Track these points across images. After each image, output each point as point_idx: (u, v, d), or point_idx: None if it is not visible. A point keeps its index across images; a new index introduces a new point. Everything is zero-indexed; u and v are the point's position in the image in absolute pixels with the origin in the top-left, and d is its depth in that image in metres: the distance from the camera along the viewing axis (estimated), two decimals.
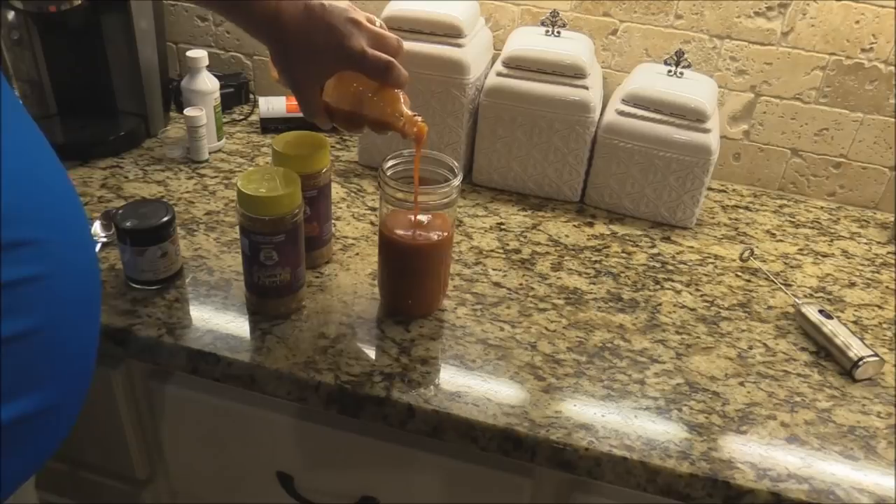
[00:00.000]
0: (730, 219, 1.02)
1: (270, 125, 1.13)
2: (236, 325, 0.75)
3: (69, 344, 0.53)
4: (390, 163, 0.73)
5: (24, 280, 0.47)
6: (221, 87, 1.07)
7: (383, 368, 0.71)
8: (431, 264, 0.76)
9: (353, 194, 0.99)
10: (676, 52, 0.97)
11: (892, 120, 1.02)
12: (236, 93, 1.19)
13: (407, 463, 0.76)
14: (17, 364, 0.48)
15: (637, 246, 0.94)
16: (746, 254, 0.92)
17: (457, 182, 0.71)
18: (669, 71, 0.97)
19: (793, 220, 1.04)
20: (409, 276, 0.77)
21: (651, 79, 0.96)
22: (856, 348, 0.75)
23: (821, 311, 0.80)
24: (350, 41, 0.64)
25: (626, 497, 0.70)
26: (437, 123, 0.99)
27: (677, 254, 0.93)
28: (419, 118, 0.68)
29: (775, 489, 0.63)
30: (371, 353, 0.74)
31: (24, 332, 0.48)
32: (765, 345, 0.79)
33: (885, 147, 1.04)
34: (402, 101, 0.68)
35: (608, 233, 0.96)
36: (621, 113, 0.95)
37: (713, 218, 1.02)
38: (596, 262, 0.90)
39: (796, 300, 0.83)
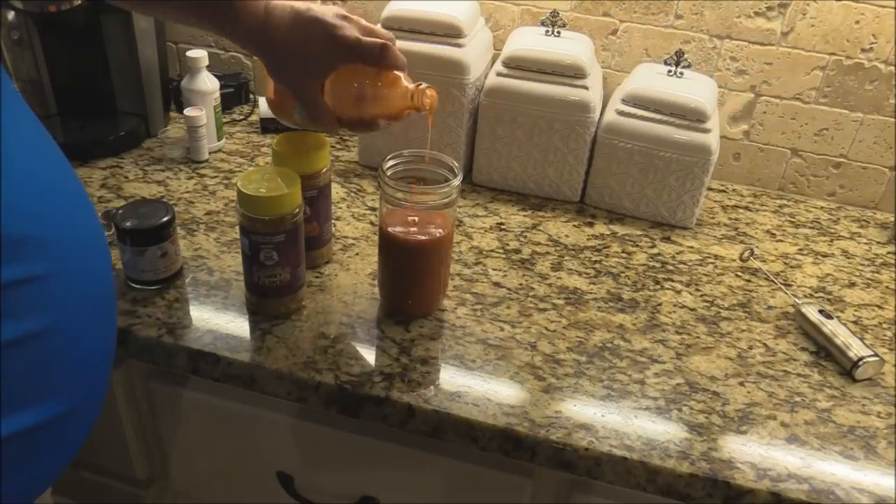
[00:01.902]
0: (730, 219, 1.02)
1: (270, 125, 1.13)
2: (236, 325, 0.75)
3: (83, 346, 0.52)
4: (390, 163, 0.73)
5: (31, 279, 0.47)
6: (221, 87, 1.08)
7: (383, 368, 0.71)
8: (431, 264, 0.76)
9: (353, 194, 0.99)
10: (676, 52, 0.97)
11: (892, 120, 1.02)
12: (236, 93, 1.19)
13: (407, 463, 0.76)
14: (30, 367, 0.47)
15: (637, 246, 0.94)
16: (746, 254, 0.92)
17: (457, 182, 0.71)
18: (669, 71, 0.97)
19: (793, 220, 1.04)
20: (409, 276, 0.77)
21: (651, 79, 0.96)
22: (856, 348, 0.75)
23: (821, 311, 0.80)
24: (342, 31, 0.64)
25: (626, 497, 0.70)
26: (438, 124, 0.99)
27: (677, 254, 0.93)
28: (425, 86, 0.66)
29: (775, 489, 0.63)
30: (371, 353, 0.74)
31: (34, 332, 0.47)
32: (765, 345, 0.79)
33: (885, 147, 1.04)
34: (403, 78, 0.66)
35: (608, 233, 0.96)
36: (621, 113, 0.95)
37: (713, 218, 1.02)
38: (596, 262, 0.90)
39: (796, 300, 0.83)
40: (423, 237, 0.74)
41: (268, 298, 0.76)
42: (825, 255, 0.96)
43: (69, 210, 0.52)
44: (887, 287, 0.90)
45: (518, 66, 0.95)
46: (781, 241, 0.98)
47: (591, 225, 0.98)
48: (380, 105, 0.67)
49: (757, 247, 0.96)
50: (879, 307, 0.87)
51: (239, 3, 0.63)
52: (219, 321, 0.76)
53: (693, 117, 0.92)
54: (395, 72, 0.66)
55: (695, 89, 0.94)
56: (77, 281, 0.51)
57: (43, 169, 0.51)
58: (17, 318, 0.46)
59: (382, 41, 0.65)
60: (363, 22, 0.67)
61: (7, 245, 0.45)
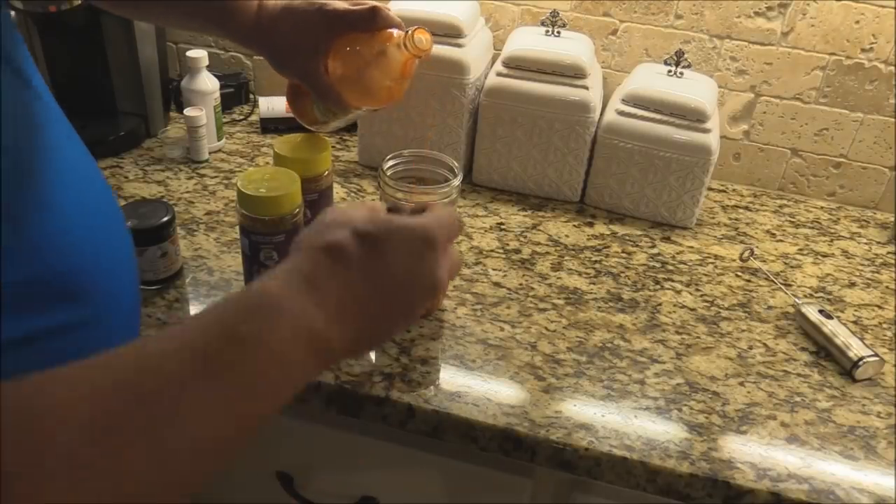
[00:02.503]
0: (730, 219, 1.02)
1: (270, 125, 1.13)
2: None
3: (118, 337, 0.53)
4: (390, 163, 0.73)
5: (75, 270, 0.47)
6: (221, 87, 1.07)
7: (383, 368, 0.71)
8: None
9: (353, 194, 0.99)
10: (676, 52, 0.97)
11: (892, 120, 1.02)
12: (236, 93, 1.19)
13: (407, 463, 0.76)
14: (67, 358, 0.48)
15: (637, 246, 0.94)
16: (746, 254, 0.92)
17: (457, 182, 0.71)
18: (669, 71, 0.97)
19: (793, 220, 1.04)
20: None
21: (651, 79, 0.96)
22: (856, 348, 0.75)
23: (821, 311, 0.80)
24: (331, 5, 0.66)
25: (626, 497, 0.70)
26: (437, 123, 0.99)
27: (677, 254, 0.93)
28: (413, 30, 0.64)
29: (775, 489, 0.63)
30: (371, 352, 0.74)
31: (77, 321, 0.47)
32: (765, 345, 0.79)
33: (885, 147, 1.04)
34: (396, 33, 0.66)
35: (608, 233, 0.96)
36: (621, 113, 0.95)
37: (713, 218, 1.02)
38: (596, 262, 0.90)
39: (796, 300, 0.83)
40: None
41: None
42: (825, 255, 0.96)
43: (102, 205, 0.53)
44: (887, 287, 0.90)
45: (518, 66, 0.95)
46: (781, 241, 0.98)
47: (591, 225, 0.98)
48: (382, 65, 0.66)
49: (757, 247, 0.96)
50: (879, 307, 0.87)
51: (231, 4, 0.65)
52: None
53: (693, 117, 0.92)
54: (390, 30, 0.66)
55: (695, 89, 0.94)
56: (108, 274, 0.52)
57: (81, 170, 0.52)
58: (60, 306, 0.46)
59: (370, 5, 0.66)
60: None
61: (51, 239, 0.45)
